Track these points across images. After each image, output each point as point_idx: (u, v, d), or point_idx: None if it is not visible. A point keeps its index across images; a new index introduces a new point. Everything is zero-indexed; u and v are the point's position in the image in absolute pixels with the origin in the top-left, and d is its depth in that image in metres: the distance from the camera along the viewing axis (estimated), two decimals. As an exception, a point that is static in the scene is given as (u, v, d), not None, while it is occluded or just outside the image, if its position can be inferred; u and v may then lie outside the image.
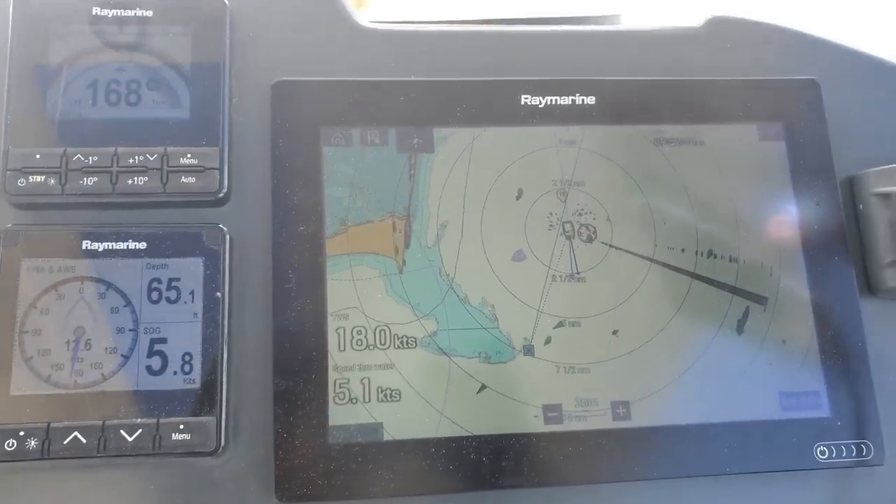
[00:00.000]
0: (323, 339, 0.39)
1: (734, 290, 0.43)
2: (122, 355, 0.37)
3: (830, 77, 0.46)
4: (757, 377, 0.42)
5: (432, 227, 0.42)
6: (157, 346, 0.38)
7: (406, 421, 0.39)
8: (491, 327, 0.41)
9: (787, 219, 0.44)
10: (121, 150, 0.39)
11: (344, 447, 0.38)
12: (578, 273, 0.42)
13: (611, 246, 0.43)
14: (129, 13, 0.42)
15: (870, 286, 0.44)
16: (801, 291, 0.43)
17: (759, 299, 0.43)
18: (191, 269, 0.39)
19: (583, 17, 0.57)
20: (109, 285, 0.38)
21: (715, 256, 0.43)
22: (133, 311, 0.38)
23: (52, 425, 0.36)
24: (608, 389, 0.41)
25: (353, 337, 0.40)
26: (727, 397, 0.41)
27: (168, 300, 0.38)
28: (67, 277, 0.38)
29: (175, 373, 0.37)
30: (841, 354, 0.42)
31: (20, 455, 0.35)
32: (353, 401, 0.39)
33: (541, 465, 0.39)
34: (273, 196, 0.41)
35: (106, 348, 0.37)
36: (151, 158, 0.39)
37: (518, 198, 0.43)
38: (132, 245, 0.39)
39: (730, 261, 0.43)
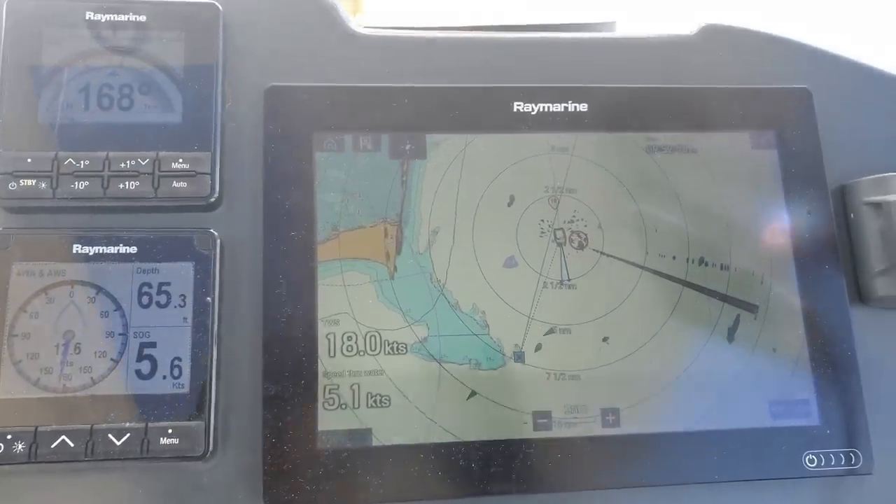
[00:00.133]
0: (313, 344, 0.39)
1: (725, 298, 0.43)
2: (111, 359, 0.37)
3: (822, 86, 0.47)
4: (747, 385, 0.42)
5: (424, 234, 0.42)
6: (146, 351, 0.38)
7: (395, 427, 0.39)
8: (482, 334, 0.41)
9: (778, 227, 0.44)
10: (112, 154, 0.39)
11: (333, 453, 0.38)
12: (569, 280, 0.42)
13: (602, 253, 0.43)
14: (123, 18, 0.42)
15: (860, 295, 0.45)
16: (792, 300, 0.43)
17: (750, 307, 0.43)
18: (181, 274, 0.39)
19: (577, 25, 0.57)
20: (100, 289, 0.38)
21: (706, 264, 0.44)
22: (123, 315, 0.38)
23: (40, 429, 0.36)
24: (598, 396, 0.41)
25: (343, 343, 0.40)
26: (717, 405, 0.41)
27: (158, 304, 0.38)
28: (58, 281, 0.38)
29: (164, 377, 0.37)
30: (831, 363, 0.42)
31: (7, 459, 0.35)
32: (343, 406, 0.39)
33: (530, 472, 0.39)
34: (265, 201, 0.41)
35: (95, 352, 0.37)
36: (143, 163, 0.39)
37: (510, 204, 0.43)
38: (123, 249, 0.39)
39: (721, 269, 0.44)
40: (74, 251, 0.38)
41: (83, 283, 0.38)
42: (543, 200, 0.43)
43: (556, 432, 0.40)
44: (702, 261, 0.44)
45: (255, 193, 0.41)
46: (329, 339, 0.40)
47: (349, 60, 0.44)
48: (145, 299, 0.38)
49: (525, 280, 0.42)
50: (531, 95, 0.44)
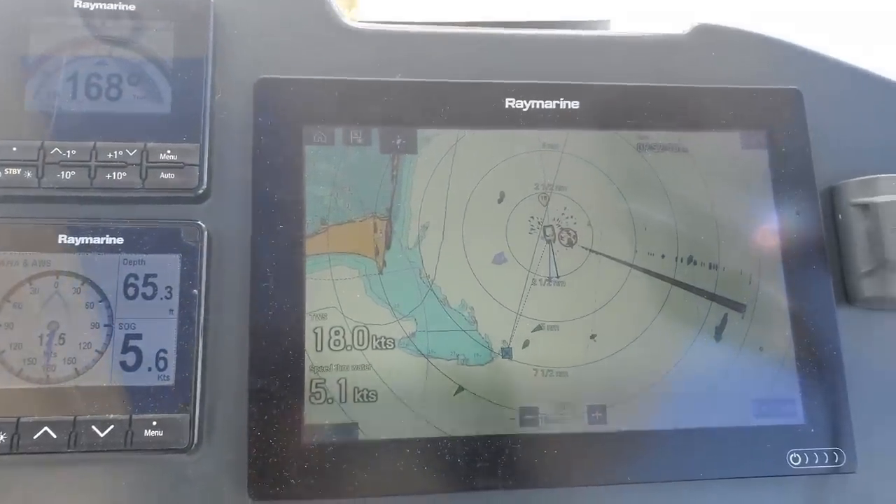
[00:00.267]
0: (300, 338, 0.39)
1: (713, 297, 0.43)
2: (96, 350, 0.37)
3: (813, 87, 0.47)
4: (733, 384, 0.42)
5: (413, 229, 0.42)
6: (131, 342, 0.37)
7: (382, 421, 0.39)
8: (470, 329, 0.41)
9: (767, 227, 0.45)
10: (100, 144, 0.39)
11: (319, 447, 0.38)
12: (558, 277, 0.42)
13: (591, 251, 0.43)
14: (112, 7, 0.41)
15: (847, 296, 0.45)
16: (780, 299, 0.44)
17: (738, 307, 0.43)
18: (168, 266, 0.39)
19: (572, 23, 0.57)
20: (85, 280, 0.38)
21: (695, 263, 0.44)
22: (108, 307, 0.38)
23: (23, 420, 0.35)
24: (585, 393, 0.41)
25: (330, 337, 0.40)
26: (703, 403, 0.41)
27: (144, 296, 0.38)
28: (42, 271, 0.38)
29: (149, 369, 0.37)
30: (817, 363, 0.43)
31: (-11, 449, 0.35)
32: (330, 401, 0.39)
33: (516, 468, 0.39)
34: (253, 194, 0.41)
35: (80, 343, 0.37)
36: (131, 154, 0.39)
37: (500, 201, 0.43)
38: (109, 240, 0.39)
39: (709, 268, 0.44)
40: (60, 241, 0.38)
41: (68, 274, 0.38)
42: (533, 197, 0.43)
43: (543, 429, 0.40)
44: (690, 259, 0.44)
45: (243, 186, 0.41)
46: (316, 334, 0.39)
47: (341, 54, 0.44)
48: (131, 291, 0.38)
49: (514, 276, 0.42)
50: (523, 92, 0.44)
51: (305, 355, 0.39)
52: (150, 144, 0.39)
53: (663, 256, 0.43)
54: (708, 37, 0.48)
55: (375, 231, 0.42)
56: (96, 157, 0.39)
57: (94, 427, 0.36)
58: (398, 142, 0.43)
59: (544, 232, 0.43)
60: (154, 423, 0.36)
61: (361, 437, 0.38)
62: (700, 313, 0.43)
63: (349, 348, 0.40)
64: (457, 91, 0.44)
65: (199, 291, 0.38)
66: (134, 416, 0.36)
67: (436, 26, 0.47)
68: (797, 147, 0.46)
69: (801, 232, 0.45)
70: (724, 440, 0.41)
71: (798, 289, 0.44)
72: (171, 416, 0.36)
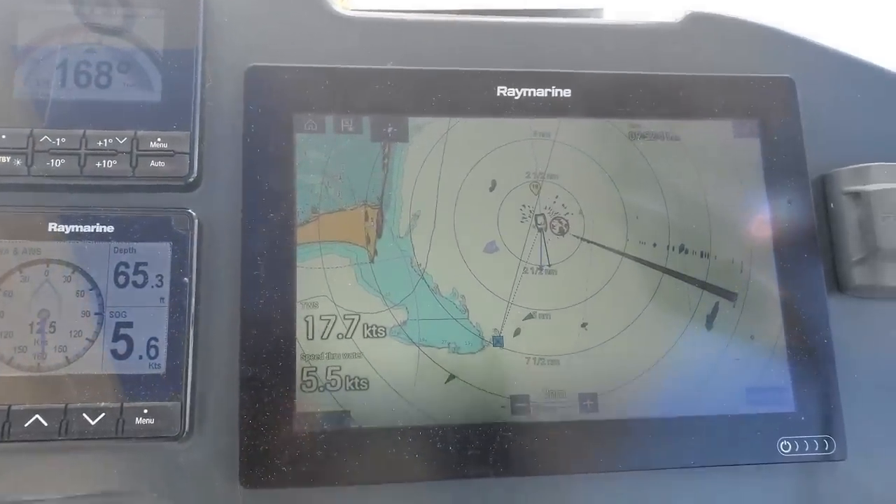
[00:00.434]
0: (291, 326, 0.39)
1: (704, 286, 0.43)
2: (87, 339, 0.37)
3: (805, 75, 0.47)
4: (725, 372, 0.42)
5: (405, 217, 0.42)
6: (122, 331, 0.37)
7: (373, 409, 0.39)
8: (461, 318, 0.41)
9: (759, 216, 0.45)
10: (90, 132, 0.39)
11: (310, 434, 0.38)
12: (550, 265, 0.42)
13: (583, 239, 0.43)
14: (102, -6, 0.41)
15: (838, 284, 0.45)
16: (771, 288, 0.44)
17: (729, 295, 0.43)
18: (159, 254, 0.39)
19: (565, 11, 0.56)
20: (76, 268, 0.38)
21: (686, 252, 0.44)
22: (99, 295, 0.38)
23: (13, 408, 0.35)
24: (576, 381, 0.41)
25: (321, 325, 0.40)
26: (694, 391, 0.41)
27: (135, 284, 0.38)
28: (33, 259, 0.38)
29: (140, 357, 0.37)
30: (807, 351, 0.43)
31: (-20, 437, 0.35)
32: (321, 389, 0.39)
33: (507, 456, 0.39)
34: (244, 182, 0.41)
35: (71, 331, 0.37)
36: (121, 142, 0.39)
37: (492, 189, 0.43)
38: (99, 228, 0.38)
39: (701, 256, 0.44)
40: (50, 229, 0.38)
41: (59, 262, 0.38)
42: (525, 186, 0.43)
43: (534, 417, 0.40)
44: (682, 248, 0.44)
45: (234, 174, 0.41)
46: (307, 322, 0.39)
47: (332, 42, 0.44)
48: (122, 279, 0.38)
49: (505, 265, 0.42)
50: (515, 80, 0.44)
51: (296, 343, 0.39)
52: (141, 132, 0.39)
53: (655, 245, 0.43)
54: (700, 25, 0.48)
55: (366, 219, 0.41)
56: (86, 145, 0.39)
57: (85, 415, 0.36)
58: (389, 130, 0.43)
59: (536, 220, 0.43)
60: (145, 410, 0.36)
61: (353, 424, 0.39)
62: (691, 302, 0.43)
63: (340, 336, 0.40)
64: (448, 79, 0.44)
65: (190, 279, 0.38)
66: (125, 404, 0.36)
67: (427, 14, 0.46)
68: (789, 136, 0.46)
69: (792, 220, 0.45)
70: (714, 428, 0.41)
71: (789, 277, 0.44)
72: (162, 404, 0.37)
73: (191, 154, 0.40)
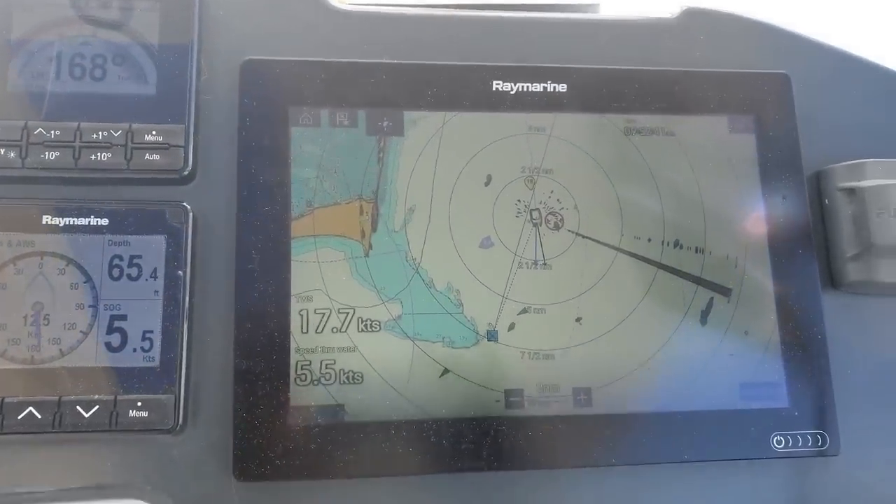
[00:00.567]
0: (286, 320, 0.39)
1: (699, 281, 0.43)
2: (81, 331, 0.37)
3: (801, 71, 0.47)
4: (719, 367, 0.42)
5: (400, 211, 0.42)
6: (116, 323, 0.37)
7: (368, 403, 0.39)
8: (455, 312, 0.41)
9: (754, 212, 0.45)
10: (84, 125, 0.39)
11: (304, 428, 0.38)
12: (544, 260, 0.42)
13: (577, 234, 0.43)
14: (97, -14, 0.41)
15: (833, 280, 0.45)
16: (766, 284, 0.44)
17: (724, 290, 0.43)
18: (153, 247, 0.39)
19: (561, 6, 0.56)
20: (70, 261, 0.38)
21: (681, 247, 0.44)
22: (93, 288, 0.38)
23: (7, 400, 0.35)
24: (570, 376, 0.41)
25: (316, 319, 0.40)
26: (688, 386, 0.42)
27: (129, 277, 0.38)
28: (27, 252, 0.38)
29: (134, 350, 0.37)
30: (801, 346, 0.43)
31: (-27, 429, 0.35)
32: (315, 382, 0.39)
33: (501, 450, 0.39)
34: (239, 175, 0.41)
35: (65, 324, 0.37)
36: (115, 134, 0.39)
37: (487, 184, 0.43)
38: (94, 221, 0.38)
39: (696, 252, 0.44)
40: (44, 222, 0.38)
41: (53, 255, 0.38)
42: (520, 181, 0.43)
43: (528, 411, 0.40)
44: (677, 243, 0.44)
45: (229, 167, 0.41)
46: (302, 316, 0.39)
47: (327, 35, 0.44)
48: (116, 272, 0.38)
49: (500, 260, 0.42)
50: (511, 74, 0.44)
51: (291, 337, 0.39)
52: (136, 125, 0.39)
53: (650, 240, 0.44)
54: (696, 20, 0.48)
55: (361, 213, 0.41)
56: (81, 138, 0.39)
57: (78, 407, 0.36)
58: (385, 124, 0.43)
59: (531, 215, 0.43)
60: (139, 403, 0.36)
61: (347, 418, 0.39)
62: (686, 297, 0.43)
63: (335, 330, 0.40)
64: (444, 73, 0.44)
65: (185, 273, 0.38)
66: (119, 397, 0.36)
67: (423, 9, 0.46)
68: (785, 131, 0.46)
69: (787, 216, 0.45)
70: (708, 423, 0.41)
71: (784, 273, 0.44)
72: (156, 396, 0.37)
73: (185, 147, 0.40)
